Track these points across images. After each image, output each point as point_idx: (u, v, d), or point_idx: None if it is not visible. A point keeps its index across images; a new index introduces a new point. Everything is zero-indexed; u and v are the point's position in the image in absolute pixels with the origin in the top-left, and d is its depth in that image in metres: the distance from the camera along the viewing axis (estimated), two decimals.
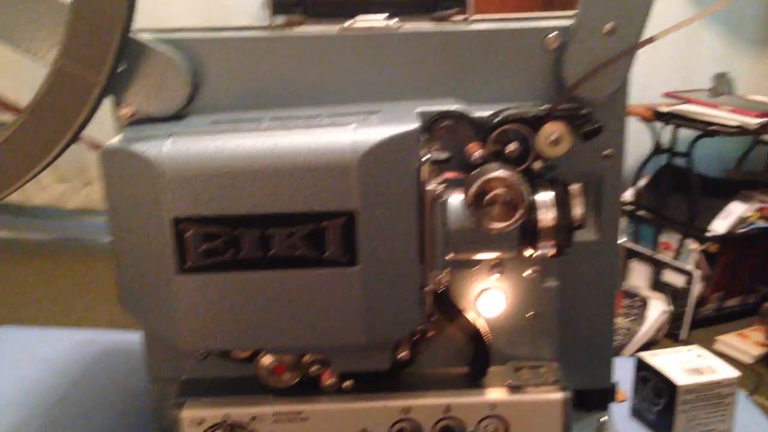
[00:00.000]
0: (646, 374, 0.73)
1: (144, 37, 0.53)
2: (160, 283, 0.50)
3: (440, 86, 0.56)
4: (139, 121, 0.54)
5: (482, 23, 0.56)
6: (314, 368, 0.55)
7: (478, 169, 0.51)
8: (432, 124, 0.54)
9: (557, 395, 0.56)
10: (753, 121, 1.88)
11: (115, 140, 0.51)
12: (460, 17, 0.57)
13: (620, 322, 1.92)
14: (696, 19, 0.57)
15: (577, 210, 0.53)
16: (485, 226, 0.50)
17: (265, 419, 0.56)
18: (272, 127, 0.50)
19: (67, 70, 0.49)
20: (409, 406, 0.56)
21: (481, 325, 0.57)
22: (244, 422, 0.55)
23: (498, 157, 0.53)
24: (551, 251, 0.52)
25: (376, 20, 0.55)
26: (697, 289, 2.01)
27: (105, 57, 0.49)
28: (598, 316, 0.61)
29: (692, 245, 2.05)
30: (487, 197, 0.50)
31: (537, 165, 0.54)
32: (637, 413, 0.75)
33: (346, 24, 0.55)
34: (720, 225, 2.02)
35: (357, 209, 0.48)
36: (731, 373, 0.71)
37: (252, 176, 0.47)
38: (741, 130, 1.90)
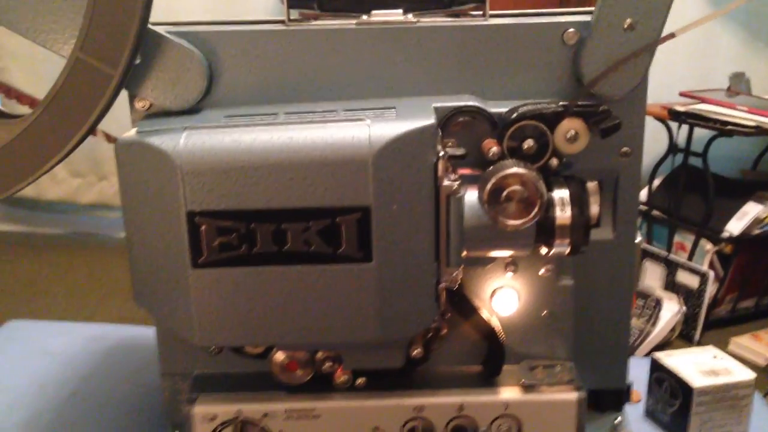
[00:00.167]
0: (660, 375, 0.72)
1: (160, 30, 0.53)
2: (175, 277, 0.49)
3: (457, 81, 0.55)
4: (154, 114, 0.54)
5: (500, 18, 0.56)
6: (327, 365, 0.55)
7: (494, 166, 0.50)
8: (448, 119, 0.53)
9: (571, 395, 0.55)
10: None
11: (130, 133, 0.51)
12: (478, 12, 0.57)
13: (633, 322, 1.90)
14: (718, 15, 0.57)
15: (593, 208, 0.52)
16: (501, 223, 0.50)
17: (277, 416, 0.55)
18: (288, 122, 0.50)
19: (84, 63, 0.49)
20: (422, 404, 0.55)
21: (495, 323, 0.57)
22: (256, 419, 0.55)
23: (514, 153, 0.53)
24: (567, 249, 0.52)
25: (393, 14, 0.55)
26: (711, 290, 1.99)
27: (122, 50, 0.49)
28: (613, 315, 0.61)
29: (707, 246, 2.04)
30: (503, 194, 0.50)
31: (554, 162, 0.53)
32: (651, 414, 0.75)
33: (363, 18, 0.55)
34: (735, 226, 2.00)
35: (372, 205, 0.47)
36: (747, 375, 0.70)
37: (267, 171, 0.47)
38: (758, 131, 1.88)
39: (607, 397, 0.63)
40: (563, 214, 0.51)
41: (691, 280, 2.01)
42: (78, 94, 0.50)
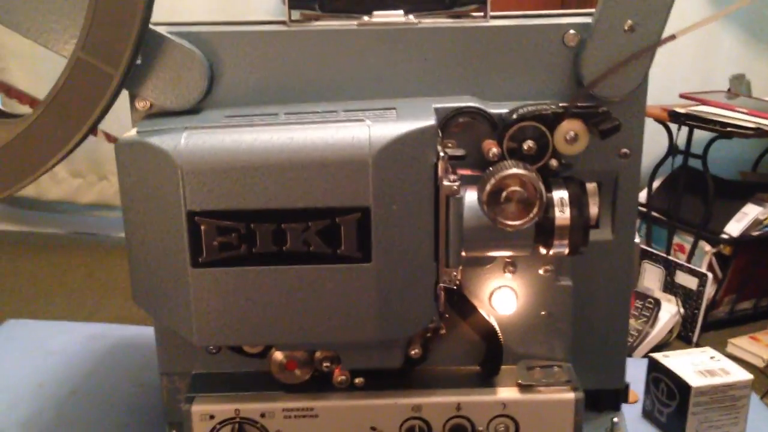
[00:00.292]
0: (658, 375, 0.73)
1: (161, 30, 0.53)
2: (174, 276, 0.50)
3: (458, 82, 0.56)
4: (155, 114, 0.55)
5: (501, 19, 0.56)
6: (326, 365, 0.55)
7: (494, 167, 0.50)
8: (448, 120, 0.54)
9: (569, 395, 0.55)
10: None
11: (131, 133, 0.51)
12: (479, 13, 0.57)
13: (632, 323, 1.91)
14: (720, 16, 0.57)
15: (592, 209, 0.53)
16: (500, 224, 0.50)
17: (275, 415, 0.56)
18: (288, 122, 0.50)
19: (85, 63, 0.50)
20: (420, 404, 0.55)
21: (494, 323, 0.57)
22: (254, 418, 0.55)
23: (514, 154, 0.53)
24: (566, 250, 0.52)
25: (394, 15, 0.55)
26: (709, 291, 1.99)
27: (123, 50, 0.49)
28: (612, 316, 0.61)
29: (706, 247, 2.04)
30: (503, 194, 0.50)
31: (553, 163, 0.53)
32: (648, 415, 0.75)
33: (364, 19, 0.55)
34: (734, 227, 2.01)
35: (372, 205, 0.48)
36: (745, 375, 0.70)
37: (267, 171, 0.47)
38: (758, 132, 1.88)
39: (605, 398, 0.63)
40: (562, 215, 0.51)
41: (689, 282, 2.02)
42: (79, 94, 0.50)
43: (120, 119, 0.57)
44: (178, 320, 0.51)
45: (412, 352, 0.56)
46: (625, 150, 0.57)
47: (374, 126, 0.48)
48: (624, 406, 0.65)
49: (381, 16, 0.55)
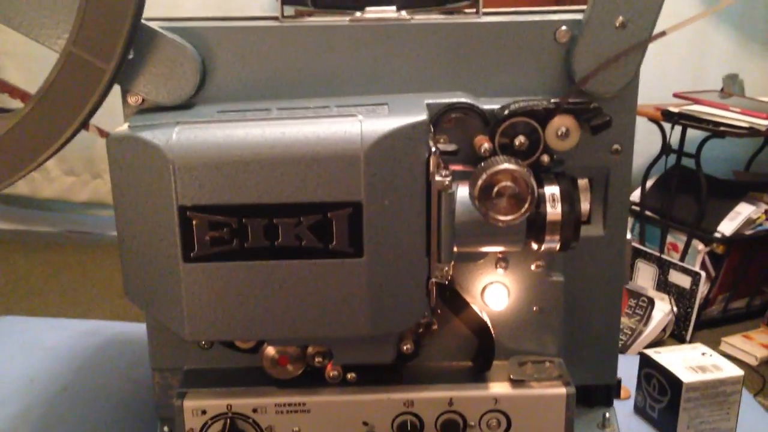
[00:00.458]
0: (650, 371, 0.73)
1: (153, 26, 0.53)
2: (166, 271, 0.50)
3: (450, 78, 0.56)
4: (147, 109, 0.54)
5: (493, 16, 0.56)
6: (318, 360, 0.55)
7: (485, 162, 0.51)
8: (440, 116, 0.54)
9: (560, 390, 0.56)
10: (763, 123, 1.87)
11: (123, 128, 0.51)
12: (471, 10, 0.57)
13: (625, 322, 1.91)
14: (710, 13, 0.57)
15: (583, 205, 0.53)
16: (492, 219, 0.50)
17: (268, 410, 0.56)
18: (280, 117, 0.50)
19: (77, 57, 0.49)
20: (412, 399, 0.56)
21: (486, 319, 0.57)
22: (246, 413, 0.55)
23: (506, 150, 0.53)
24: (557, 245, 0.52)
25: (387, 11, 0.55)
26: (702, 290, 2.00)
27: (115, 45, 0.49)
28: (603, 312, 0.61)
29: (699, 246, 2.05)
30: (495, 190, 0.50)
31: (545, 159, 0.53)
32: (640, 410, 0.75)
33: (357, 15, 0.55)
34: (727, 226, 2.01)
35: (363, 200, 0.48)
36: (736, 371, 0.71)
37: (259, 165, 0.47)
38: (750, 132, 1.89)
39: (597, 393, 0.64)
40: (554, 211, 0.51)
41: (683, 281, 2.02)
42: (70, 89, 0.50)
43: (114, 115, 0.57)
44: (169, 315, 0.51)
45: (404, 348, 0.56)
46: (616, 146, 0.57)
47: (366, 121, 0.48)
48: (616, 402, 0.65)
49: (373, 12, 0.55)
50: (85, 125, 0.52)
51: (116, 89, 0.54)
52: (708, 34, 2.32)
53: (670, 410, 0.70)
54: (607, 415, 0.64)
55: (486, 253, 0.56)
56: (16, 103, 0.55)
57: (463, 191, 0.51)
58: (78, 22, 0.49)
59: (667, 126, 2.09)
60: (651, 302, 1.94)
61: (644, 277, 2.11)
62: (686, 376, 0.69)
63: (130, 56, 0.52)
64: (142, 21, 0.51)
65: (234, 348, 0.56)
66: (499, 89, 0.56)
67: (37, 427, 0.71)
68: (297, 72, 0.56)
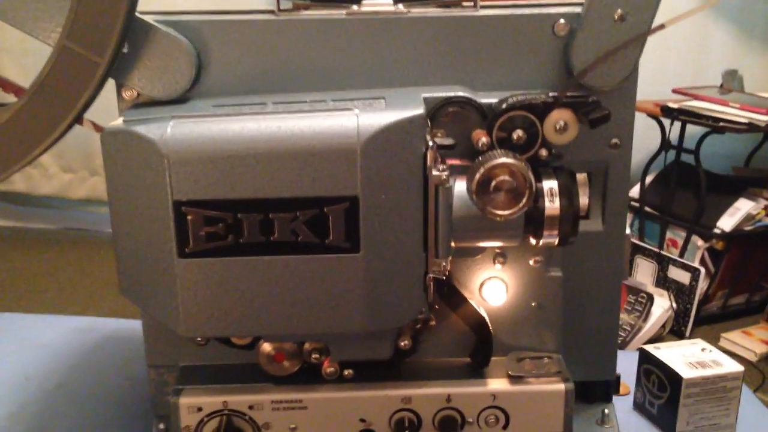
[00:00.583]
0: (649, 367, 0.72)
1: (148, 19, 0.52)
2: (161, 267, 0.49)
3: (447, 72, 0.55)
4: (142, 104, 0.54)
5: (490, 9, 0.55)
6: (314, 356, 0.55)
7: (483, 156, 0.50)
8: (438, 110, 0.53)
9: (559, 386, 0.55)
10: (763, 118, 1.87)
11: (117, 122, 0.50)
12: (469, 3, 0.56)
13: (624, 318, 1.91)
14: (710, 5, 0.57)
15: (581, 199, 0.52)
16: (489, 214, 0.50)
17: (264, 407, 0.55)
18: (276, 111, 0.49)
19: (71, 51, 0.49)
20: (410, 395, 0.55)
21: (484, 314, 0.56)
22: (243, 410, 0.55)
23: (504, 144, 0.53)
24: (556, 240, 0.52)
25: (384, 5, 0.55)
26: (702, 286, 2.00)
27: (109, 38, 0.49)
28: (602, 307, 0.61)
29: (698, 242, 2.04)
30: (492, 184, 0.49)
31: (543, 153, 0.53)
32: (639, 406, 0.75)
33: (353, 8, 0.55)
34: (727, 222, 2.01)
35: (360, 195, 0.47)
36: (736, 367, 0.70)
37: (255, 160, 0.47)
38: (750, 127, 1.89)
39: (596, 389, 0.63)
40: (552, 205, 0.51)
41: (682, 277, 2.02)
42: (64, 82, 0.49)
43: (111, 111, 0.57)
44: (164, 311, 0.51)
45: (402, 344, 0.56)
46: (615, 140, 0.56)
47: (362, 115, 0.48)
48: (615, 398, 0.65)
49: (370, 5, 0.55)
50: (79, 120, 0.51)
51: (111, 84, 0.54)
52: (707, 29, 2.31)
53: (669, 406, 0.70)
54: (606, 411, 0.63)
55: (484, 249, 0.55)
56: (10, 98, 0.55)
57: (460, 186, 0.51)
58: (72, 15, 0.48)
59: (666, 122, 2.08)
60: (650, 298, 1.94)
61: (643, 273, 2.10)
62: (686, 372, 0.69)
63: (125, 50, 0.51)
64: (137, 14, 0.51)
65: (230, 344, 0.56)
66: (497, 83, 0.55)
67: (33, 425, 0.71)
68: (293, 66, 0.55)
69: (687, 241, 2.06)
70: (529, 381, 0.56)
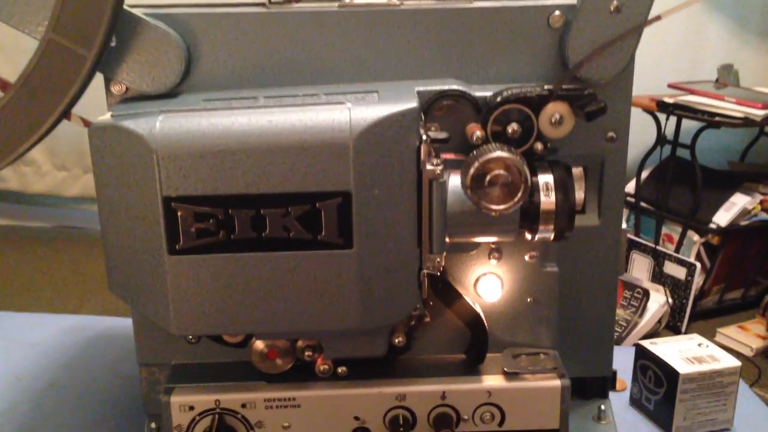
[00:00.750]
0: (645, 362, 0.72)
1: (136, 12, 0.52)
2: (151, 264, 0.48)
3: (441, 65, 0.55)
4: (131, 98, 0.53)
5: (484, 1, 0.55)
6: (308, 354, 0.54)
7: (477, 150, 0.49)
8: (432, 103, 0.53)
9: (555, 382, 0.55)
10: (758, 113, 1.86)
11: (105, 117, 0.50)
12: None
13: (620, 313, 1.90)
14: None
15: (577, 193, 0.52)
16: (484, 208, 0.49)
17: (257, 405, 0.55)
18: (267, 106, 0.49)
19: (57, 44, 0.48)
20: (404, 392, 0.55)
21: (479, 311, 0.56)
22: (235, 408, 0.54)
23: (498, 137, 0.52)
24: (551, 235, 0.51)
25: None
26: (698, 281, 2.00)
27: (96, 31, 0.48)
28: (599, 303, 0.60)
29: (694, 237, 2.04)
30: (487, 178, 0.49)
31: (538, 146, 0.52)
32: (635, 402, 0.74)
33: (345, 0, 0.54)
34: (722, 217, 2.01)
35: (353, 190, 0.47)
36: (733, 362, 0.70)
37: (245, 155, 0.46)
38: (746, 122, 1.88)
39: (592, 385, 0.63)
40: (547, 200, 0.50)
41: (678, 272, 2.02)
42: (51, 77, 0.49)
43: (101, 108, 0.56)
44: (155, 309, 0.50)
45: (396, 341, 0.55)
46: (611, 134, 0.56)
47: (355, 109, 0.47)
48: (611, 394, 0.64)
49: None
50: (66, 114, 0.50)
51: (101, 80, 0.53)
52: (703, 24, 2.31)
53: (666, 402, 0.70)
54: (603, 407, 0.63)
55: (479, 244, 0.55)
56: None
57: (454, 180, 0.50)
58: (58, 7, 0.48)
59: (662, 117, 2.08)
60: (646, 294, 1.94)
61: (639, 268, 2.10)
62: (682, 367, 0.68)
63: (113, 44, 0.51)
64: (125, 7, 0.50)
65: (222, 342, 0.55)
66: (492, 76, 0.55)
67: (24, 425, 0.70)
68: (285, 59, 0.54)
69: (683, 236, 2.06)
70: (524, 377, 0.55)
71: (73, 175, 2.62)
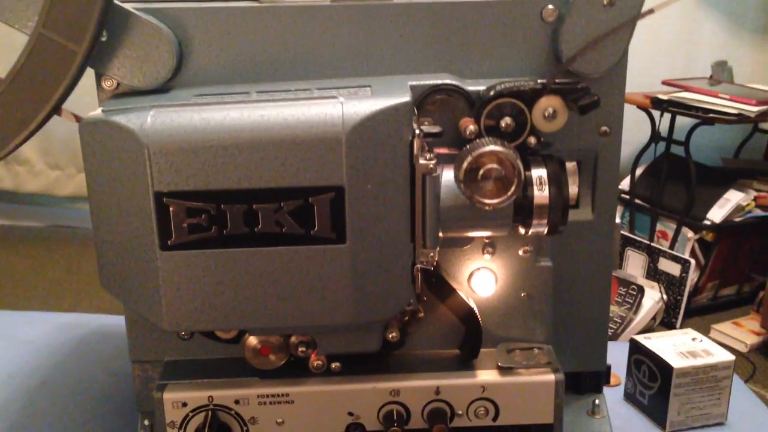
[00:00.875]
0: (640, 357, 0.72)
1: (127, 7, 0.51)
2: (143, 260, 0.48)
3: (434, 59, 0.54)
4: (122, 94, 0.53)
5: None
6: (301, 350, 0.54)
7: (470, 144, 0.49)
8: (425, 98, 0.52)
9: (549, 377, 0.55)
10: (752, 109, 1.87)
11: (96, 112, 0.49)
12: None
13: (615, 310, 1.91)
14: None
15: (571, 188, 0.52)
16: (478, 203, 0.49)
17: (250, 402, 0.54)
18: (259, 100, 0.48)
19: (47, 39, 0.48)
20: (398, 388, 0.54)
21: (473, 305, 0.56)
22: (228, 405, 0.54)
23: (492, 132, 0.52)
24: (545, 229, 0.51)
25: None
26: (692, 277, 2.00)
27: (86, 26, 0.48)
28: (593, 297, 0.60)
29: (688, 234, 2.05)
30: (480, 173, 0.48)
31: (532, 141, 0.52)
32: (630, 397, 0.74)
33: None
34: (716, 214, 2.01)
35: (346, 184, 0.46)
36: (727, 356, 0.70)
37: (238, 150, 0.46)
38: (740, 118, 1.89)
39: (586, 380, 0.63)
40: (541, 194, 0.50)
41: (672, 268, 2.02)
42: (41, 72, 0.48)
43: (93, 104, 0.55)
44: (147, 305, 0.50)
45: (390, 336, 0.55)
46: (605, 128, 0.56)
47: (348, 103, 0.47)
48: (606, 389, 0.64)
49: None
50: (57, 110, 0.50)
51: (90, 74, 0.52)
52: (697, 20, 2.31)
53: (660, 396, 0.70)
54: (597, 401, 0.63)
55: (472, 238, 0.55)
56: None
57: (448, 174, 0.50)
58: (48, 2, 0.47)
59: (656, 113, 2.08)
60: (641, 290, 1.94)
61: (634, 265, 2.11)
62: (676, 362, 0.68)
63: (103, 38, 0.50)
64: (116, 2, 0.50)
65: (215, 338, 0.55)
66: (485, 70, 0.54)
67: (16, 423, 0.69)
68: (277, 54, 0.54)
69: (677, 232, 2.06)
70: (518, 372, 0.55)
71: (67, 175, 2.61)
